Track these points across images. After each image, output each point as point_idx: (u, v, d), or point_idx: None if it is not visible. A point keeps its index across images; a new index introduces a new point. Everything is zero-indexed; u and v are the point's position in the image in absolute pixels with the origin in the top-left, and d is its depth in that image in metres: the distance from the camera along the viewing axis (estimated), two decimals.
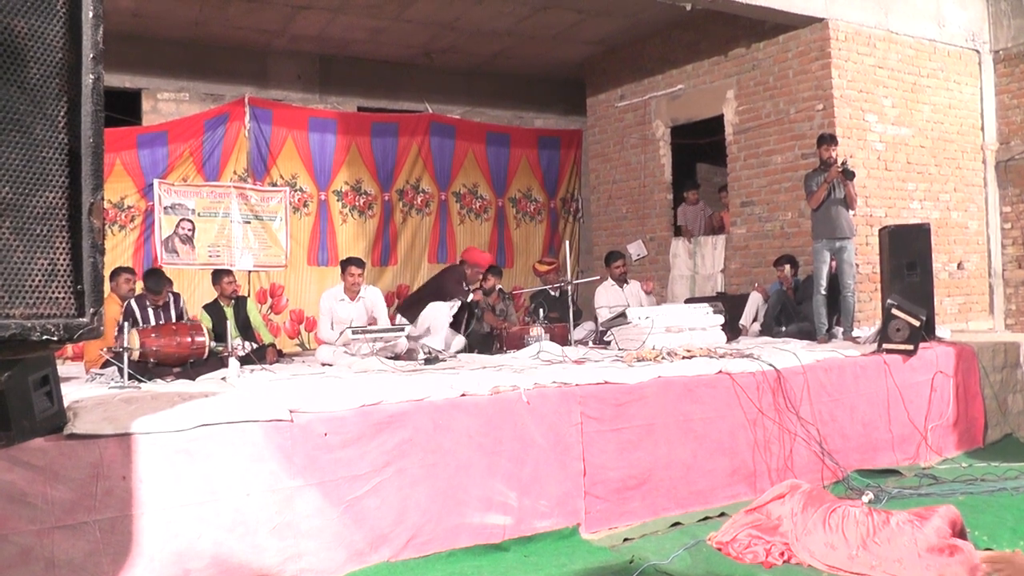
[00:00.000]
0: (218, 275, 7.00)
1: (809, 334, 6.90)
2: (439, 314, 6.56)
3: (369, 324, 6.54)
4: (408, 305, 6.96)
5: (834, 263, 6.84)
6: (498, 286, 7.90)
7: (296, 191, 9.06)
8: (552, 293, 7.89)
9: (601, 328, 7.20)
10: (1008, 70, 8.92)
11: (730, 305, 7.43)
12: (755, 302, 7.78)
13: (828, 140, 6.79)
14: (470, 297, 6.82)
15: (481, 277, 7.08)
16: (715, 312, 6.58)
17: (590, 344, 7.11)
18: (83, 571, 3.06)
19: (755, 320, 7.79)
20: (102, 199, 1.82)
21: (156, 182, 8.33)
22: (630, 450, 4.54)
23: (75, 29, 1.76)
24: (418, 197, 9.76)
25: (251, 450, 3.46)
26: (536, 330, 6.51)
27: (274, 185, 8.94)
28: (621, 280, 7.99)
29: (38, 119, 1.71)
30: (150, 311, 5.87)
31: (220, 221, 8.63)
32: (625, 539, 4.27)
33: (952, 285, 8.57)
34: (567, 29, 8.94)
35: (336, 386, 4.28)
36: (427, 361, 5.71)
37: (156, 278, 6.17)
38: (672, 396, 4.77)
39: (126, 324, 5.01)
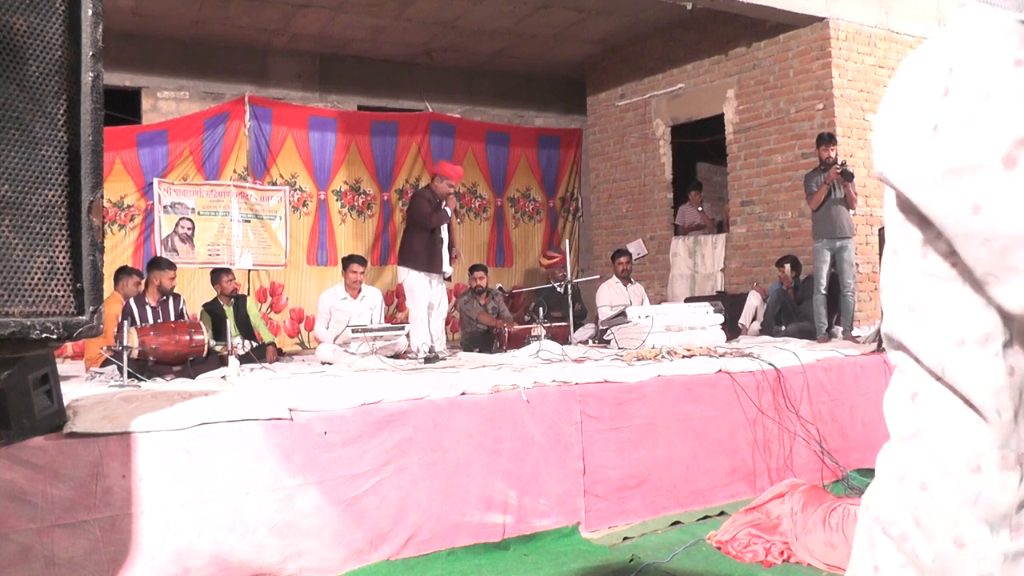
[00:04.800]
0: (217, 274, 7.01)
1: (809, 333, 6.90)
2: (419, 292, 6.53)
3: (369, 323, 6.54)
4: (402, 256, 6.81)
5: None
6: (490, 285, 7.90)
7: (296, 190, 9.06)
8: (558, 290, 7.89)
9: (601, 327, 7.20)
10: None
11: (730, 304, 7.43)
12: (754, 302, 7.79)
13: (827, 140, 6.79)
14: (444, 227, 6.58)
15: (453, 190, 6.70)
16: (715, 311, 6.58)
17: (590, 343, 7.11)
18: (83, 569, 3.06)
19: (754, 320, 7.79)
20: (102, 197, 1.82)
21: (156, 181, 8.33)
22: (630, 449, 4.54)
23: (74, 27, 1.76)
24: None
25: (251, 449, 3.46)
26: (538, 329, 6.52)
27: (274, 184, 8.93)
28: (625, 278, 8.00)
29: (37, 117, 1.70)
30: (148, 310, 5.87)
31: (220, 220, 8.63)
32: (625, 538, 4.27)
33: None
34: (567, 28, 8.94)
35: (336, 385, 4.28)
36: (427, 360, 5.71)
37: (166, 259, 6.26)
38: (672, 395, 4.77)
39: (125, 323, 5.01)
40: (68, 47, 1.75)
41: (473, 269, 7.78)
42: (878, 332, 6.21)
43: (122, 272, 6.59)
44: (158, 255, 7.46)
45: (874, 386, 5.76)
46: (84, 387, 4.58)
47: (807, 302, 7.18)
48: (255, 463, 3.46)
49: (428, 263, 6.54)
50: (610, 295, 7.89)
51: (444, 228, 6.66)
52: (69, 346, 6.82)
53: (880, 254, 7.00)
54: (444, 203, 6.63)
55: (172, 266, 6.08)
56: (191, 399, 3.68)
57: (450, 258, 6.78)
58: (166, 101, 8.82)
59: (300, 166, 9.10)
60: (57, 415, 3.11)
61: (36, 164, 1.70)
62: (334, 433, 3.68)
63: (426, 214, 6.48)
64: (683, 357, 5.37)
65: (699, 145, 9.63)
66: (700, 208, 9.55)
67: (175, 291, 6.14)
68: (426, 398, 4.02)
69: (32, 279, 1.70)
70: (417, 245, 6.56)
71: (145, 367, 5.04)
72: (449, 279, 6.99)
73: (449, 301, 7.61)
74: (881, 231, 6.95)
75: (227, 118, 8.71)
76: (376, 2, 8.00)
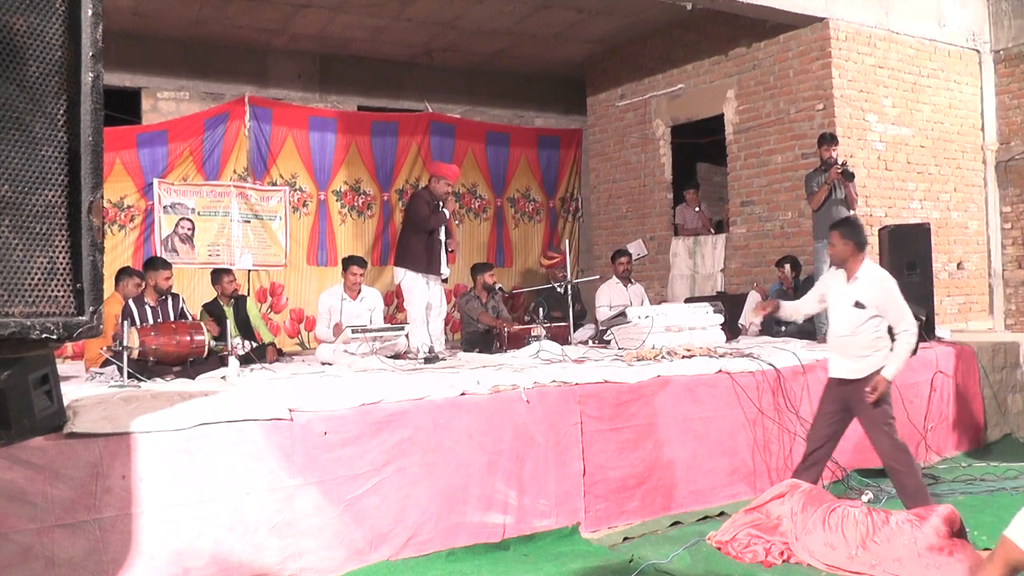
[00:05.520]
0: (218, 274, 7.00)
1: (809, 334, 6.89)
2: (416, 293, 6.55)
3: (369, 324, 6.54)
4: (399, 257, 6.81)
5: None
6: (498, 285, 7.88)
7: (296, 191, 9.05)
8: (558, 290, 7.88)
9: (601, 327, 7.20)
10: (1008, 70, 8.92)
11: (730, 305, 7.42)
12: (753, 302, 7.79)
13: (828, 140, 6.79)
14: (442, 232, 6.61)
15: (451, 190, 6.72)
16: (715, 312, 6.58)
17: (590, 343, 7.11)
18: (83, 569, 3.06)
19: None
20: (101, 198, 1.82)
21: (156, 181, 8.32)
22: (630, 449, 4.54)
23: (74, 27, 1.76)
24: None
25: (251, 449, 3.46)
26: (538, 329, 6.51)
27: (274, 184, 8.93)
28: (625, 278, 8.00)
29: (37, 117, 1.70)
30: (148, 310, 5.87)
31: (220, 220, 8.63)
32: (625, 538, 4.27)
33: (952, 285, 8.57)
34: (567, 28, 8.94)
35: (336, 385, 4.28)
36: (427, 360, 5.71)
37: (160, 259, 6.24)
38: (672, 396, 4.77)
39: (125, 323, 5.01)
40: (68, 47, 1.75)
41: (483, 269, 7.74)
42: None
43: (123, 273, 6.59)
44: (156, 255, 7.46)
45: None
46: (84, 387, 4.58)
47: None
48: (255, 463, 3.46)
49: (427, 265, 6.54)
50: (610, 295, 7.89)
51: (442, 229, 6.66)
52: (69, 346, 6.82)
53: (880, 255, 7.01)
54: (443, 204, 6.63)
55: (167, 265, 6.06)
56: (191, 399, 3.68)
57: (447, 256, 6.78)
58: (166, 101, 8.82)
59: (300, 166, 9.10)
60: (57, 415, 3.10)
61: (36, 164, 1.70)
62: (334, 433, 3.68)
63: (424, 216, 6.50)
64: (683, 357, 5.37)
65: (699, 145, 9.62)
66: (698, 208, 9.54)
67: (173, 291, 6.14)
68: (426, 398, 4.03)
69: (32, 279, 1.70)
70: (415, 246, 6.57)
71: (145, 367, 5.03)
72: (446, 280, 6.98)
73: (448, 301, 7.60)
74: (882, 231, 6.95)
75: (227, 118, 8.70)
76: (376, 2, 8.00)
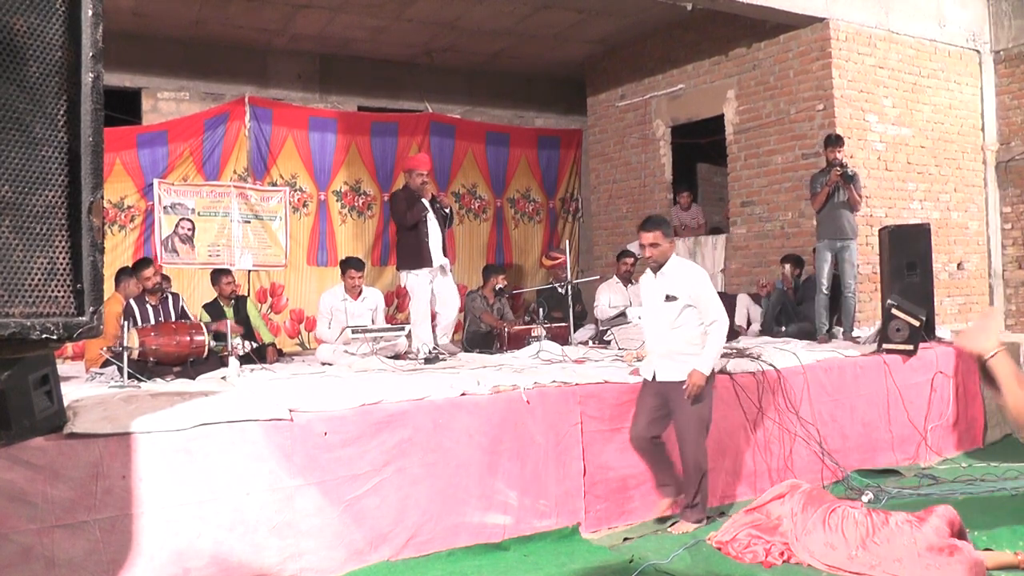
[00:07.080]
0: (218, 275, 7.00)
1: (809, 334, 6.89)
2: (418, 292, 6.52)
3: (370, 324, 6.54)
4: (398, 260, 6.77)
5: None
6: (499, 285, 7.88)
7: (296, 191, 9.05)
8: (559, 290, 7.87)
9: (601, 327, 7.20)
10: (1009, 70, 8.92)
11: (730, 305, 7.43)
12: (744, 304, 7.80)
13: (833, 142, 6.77)
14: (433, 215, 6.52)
15: (424, 176, 6.54)
16: None
17: (590, 343, 7.10)
18: (83, 570, 3.06)
19: (750, 323, 7.77)
20: (102, 198, 1.82)
21: (156, 182, 8.32)
22: (630, 450, 4.54)
23: (74, 27, 1.76)
24: None
25: (251, 449, 3.46)
26: (538, 330, 6.51)
27: (274, 185, 8.93)
28: (626, 278, 8.00)
29: (37, 118, 1.70)
30: (149, 309, 5.87)
31: (220, 220, 8.63)
32: (625, 538, 4.27)
33: (952, 285, 8.57)
34: (568, 28, 8.94)
35: (336, 385, 4.28)
36: (427, 360, 5.71)
37: (144, 260, 6.26)
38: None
39: (126, 323, 5.01)
40: (68, 48, 1.75)
41: (495, 272, 7.72)
42: (878, 333, 6.21)
43: (123, 273, 6.60)
44: (144, 257, 7.40)
45: (874, 387, 5.76)
46: (84, 388, 4.58)
47: (807, 303, 7.18)
48: (255, 463, 3.46)
49: (418, 259, 6.45)
50: (610, 295, 7.88)
51: (432, 220, 6.54)
52: (69, 347, 6.82)
53: (881, 255, 7.01)
54: (421, 195, 6.55)
55: (148, 263, 6.04)
56: (191, 399, 3.68)
57: (444, 209, 6.68)
58: (166, 102, 8.82)
59: (300, 167, 9.10)
60: (57, 416, 3.11)
61: (36, 165, 1.71)
62: (334, 434, 3.68)
63: (401, 212, 6.47)
64: None
65: (699, 146, 9.61)
66: (688, 209, 9.52)
67: (173, 290, 6.14)
68: (426, 399, 4.03)
69: (32, 280, 1.70)
70: (406, 245, 6.56)
71: (145, 368, 5.04)
72: (449, 271, 6.89)
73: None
74: (882, 231, 6.95)
75: (227, 119, 8.70)
76: (376, 2, 8.00)
